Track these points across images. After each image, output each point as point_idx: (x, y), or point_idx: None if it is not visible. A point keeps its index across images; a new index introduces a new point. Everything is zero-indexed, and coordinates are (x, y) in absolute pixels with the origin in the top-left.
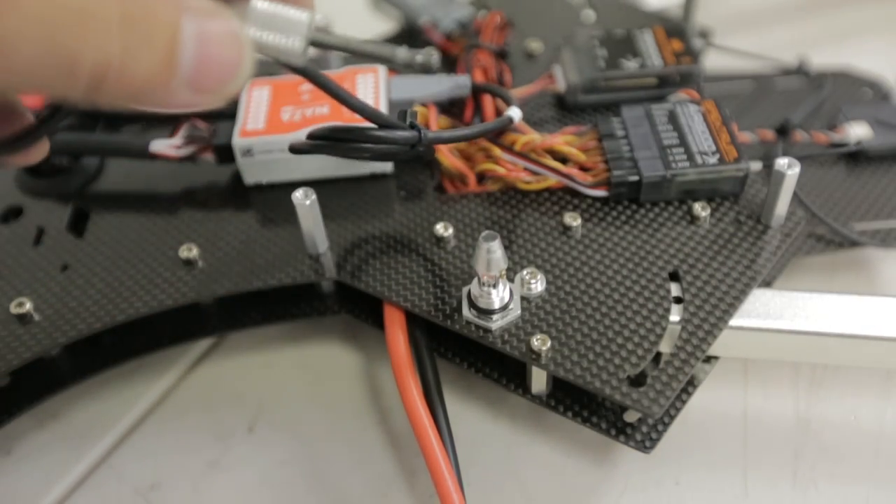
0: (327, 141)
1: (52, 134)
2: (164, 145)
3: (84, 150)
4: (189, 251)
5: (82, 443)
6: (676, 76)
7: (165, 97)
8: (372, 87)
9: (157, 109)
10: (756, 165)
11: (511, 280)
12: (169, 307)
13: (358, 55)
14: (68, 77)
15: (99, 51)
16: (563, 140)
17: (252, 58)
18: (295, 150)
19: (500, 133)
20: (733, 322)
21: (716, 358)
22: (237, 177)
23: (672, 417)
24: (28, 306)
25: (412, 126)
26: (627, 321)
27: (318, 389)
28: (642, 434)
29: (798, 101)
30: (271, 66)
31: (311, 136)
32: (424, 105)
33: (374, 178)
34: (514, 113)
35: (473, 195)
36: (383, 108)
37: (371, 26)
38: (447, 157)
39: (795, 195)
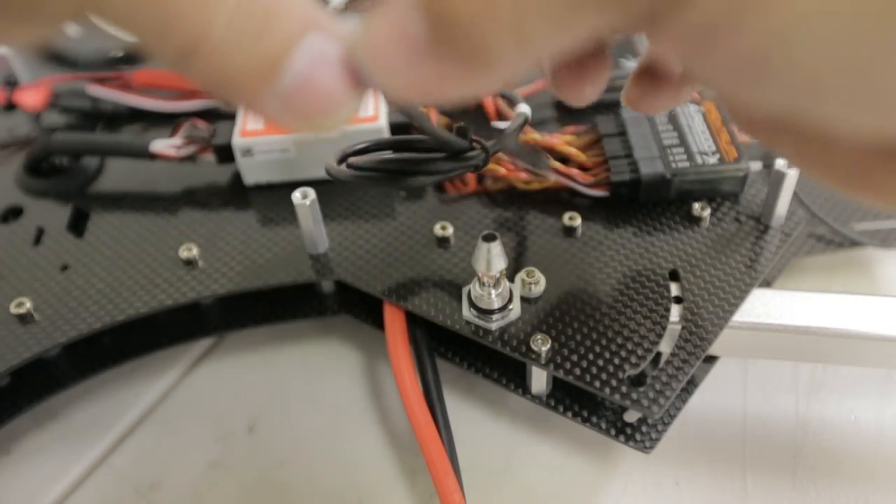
0: (379, 173)
1: None
2: (164, 145)
3: (84, 150)
4: (189, 251)
5: (82, 443)
6: None
7: (253, 101)
8: None
9: (237, 104)
10: (756, 165)
11: (511, 280)
12: (169, 307)
13: (426, 133)
14: (158, 34)
15: (198, 20)
16: (563, 140)
17: (359, 99)
18: (333, 174)
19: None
20: (733, 322)
21: (716, 358)
22: (237, 177)
23: (672, 417)
24: (28, 306)
25: (473, 142)
26: (627, 321)
27: (318, 389)
28: (642, 434)
29: None
30: None
31: (369, 169)
32: (424, 105)
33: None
34: (526, 109)
35: (473, 195)
36: (383, 109)
37: None
38: None
39: (795, 195)
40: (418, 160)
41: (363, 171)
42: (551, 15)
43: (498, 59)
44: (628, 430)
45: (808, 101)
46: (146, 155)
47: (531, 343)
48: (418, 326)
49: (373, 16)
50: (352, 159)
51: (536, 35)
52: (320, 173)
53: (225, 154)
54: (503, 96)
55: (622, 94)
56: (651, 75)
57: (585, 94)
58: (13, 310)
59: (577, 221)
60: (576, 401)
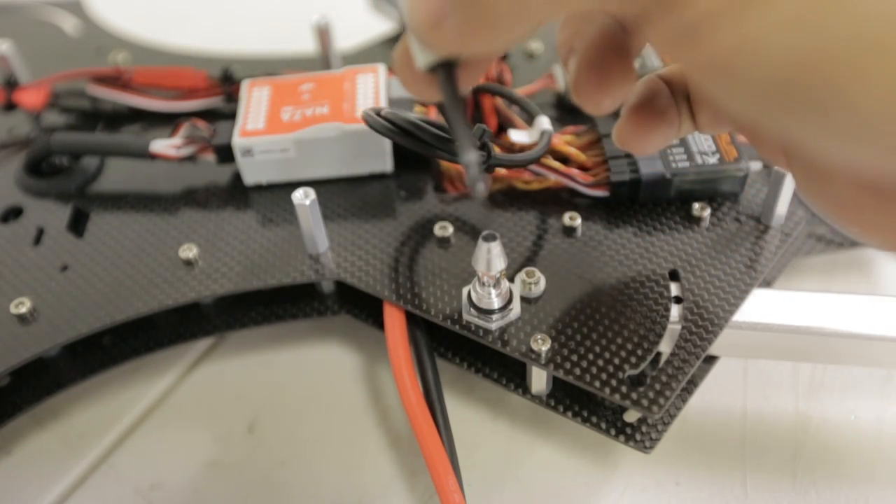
0: (408, 135)
1: None
2: (164, 145)
3: (84, 150)
4: (189, 251)
5: (82, 443)
6: None
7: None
8: (372, 85)
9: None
10: (756, 165)
11: (511, 280)
12: (169, 307)
13: (446, 117)
14: None
15: None
16: (563, 140)
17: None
18: (369, 122)
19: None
20: (733, 322)
21: (716, 358)
22: (237, 177)
23: (672, 417)
24: (28, 306)
25: (483, 146)
26: (627, 321)
27: (317, 389)
28: (642, 434)
29: None
30: (272, 65)
31: (399, 127)
32: (424, 104)
33: (374, 177)
34: (547, 126)
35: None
36: (383, 105)
37: (371, 26)
38: None
39: (795, 195)
40: (444, 139)
41: (394, 125)
42: None
43: (501, 23)
44: (628, 430)
45: (771, 106)
46: (146, 155)
47: (531, 343)
48: (418, 326)
49: None
50: (384, 111)
51: (533, 8)
52: (320, 173)
53: (225, 154)
54: (522, 108)
55: (613, 131)
56: (647, 111)
57: (604, 105)
58: (13, 310)
59: (577, 221)
60: (576, 401)
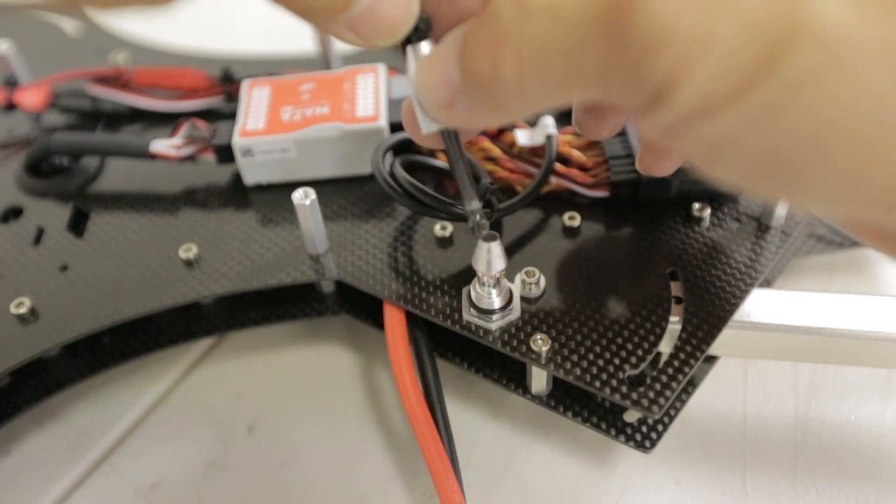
0: (409, 197)
1: None
2: (164, 145)
3: (84, 150)
4: (189, 251)
5: (82, 443)
6: None
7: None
8: (372, 86)
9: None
10: None
11: (511, 280)
12: (169, 307)
13: (454, 175)
14: None
15: None
16: (563, 140)
17: (412, 20)
18: (375, 173)
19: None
20: (733, 322)
21: (716, 358)
22: (237, 177)
23: (672, 417)
24: (28, 306)
25: (487, 202)
26: (627, 321)
27: (317, 389)
28: (642, 434)
29: None
30: (272, 65)
31: (402, 187)
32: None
33: (375, 177)
34: (552, 129)
35: None
36: (383, 106)
37: None
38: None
39: None
40: (442, 201)
41: (398, 184)
42: (545, 87)
43: (508, 109)
44: (628, 430)
45: (751, 183)
46: (146, 155)
47: (531, 343)
48: (418, 326)
49: (427, 60)
50: (396, 169)
51: (536, 98)
52: (320, 173)
53: (225, 154)
54: None
55: (637, 162)
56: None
57: (603, 136)
58: (13, 310)
59: (577, 221)
60: (576, 401)
